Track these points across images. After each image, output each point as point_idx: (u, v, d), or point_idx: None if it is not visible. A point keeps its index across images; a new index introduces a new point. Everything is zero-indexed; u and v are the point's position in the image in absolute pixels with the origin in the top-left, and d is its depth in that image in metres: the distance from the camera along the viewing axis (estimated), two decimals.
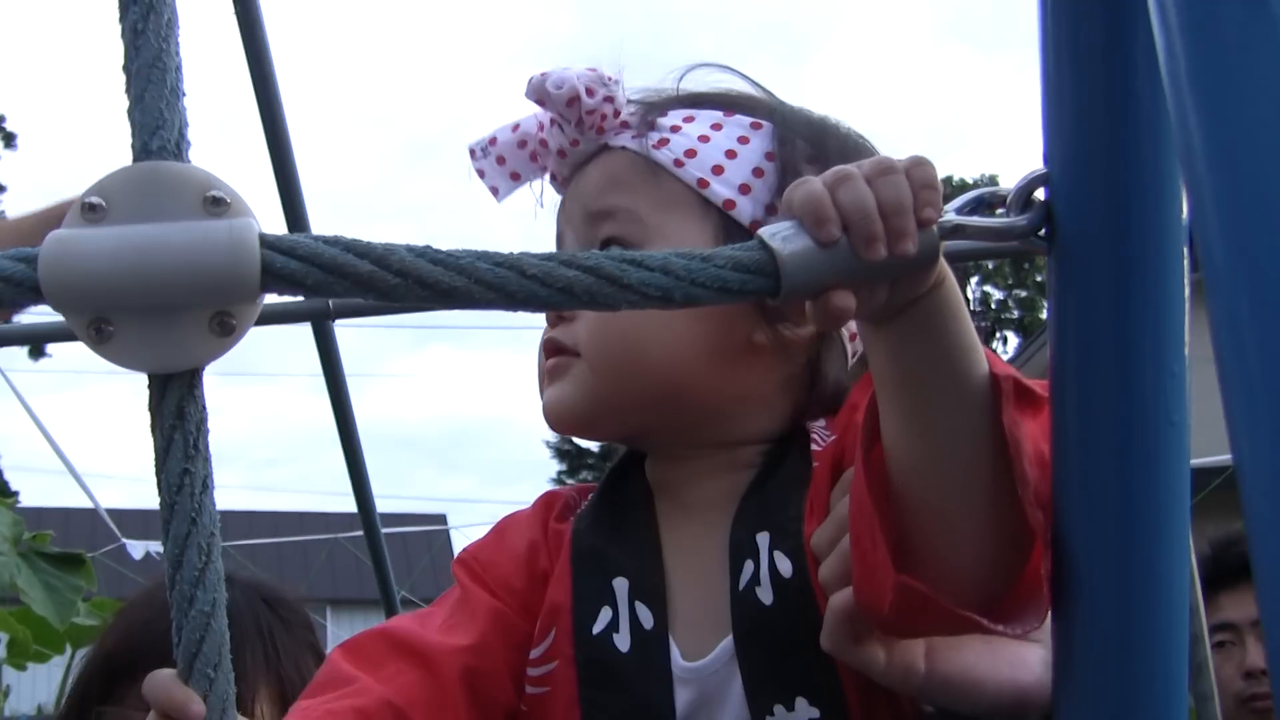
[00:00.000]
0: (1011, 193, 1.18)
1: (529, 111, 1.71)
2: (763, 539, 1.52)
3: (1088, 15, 1.11)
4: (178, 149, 1.00)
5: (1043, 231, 1.18)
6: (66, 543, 5.33)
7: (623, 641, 1.54)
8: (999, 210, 1.19)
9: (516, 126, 1.73)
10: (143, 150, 0.99)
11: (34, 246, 0.98)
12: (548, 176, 1.74)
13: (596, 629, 1.56)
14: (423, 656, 1.53)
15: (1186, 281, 1.15)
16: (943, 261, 1.19)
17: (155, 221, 0.97)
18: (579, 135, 1.66)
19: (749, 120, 1.66)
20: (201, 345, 0.99)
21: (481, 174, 1.74)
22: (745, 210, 1.61)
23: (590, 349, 1.60)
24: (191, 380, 1.00)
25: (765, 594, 1.49)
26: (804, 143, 1.64)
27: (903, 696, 1.48)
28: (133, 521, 9.41)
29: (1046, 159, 1.18)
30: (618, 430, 1.70)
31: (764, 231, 1.10)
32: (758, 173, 1.63)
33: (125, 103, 1.01)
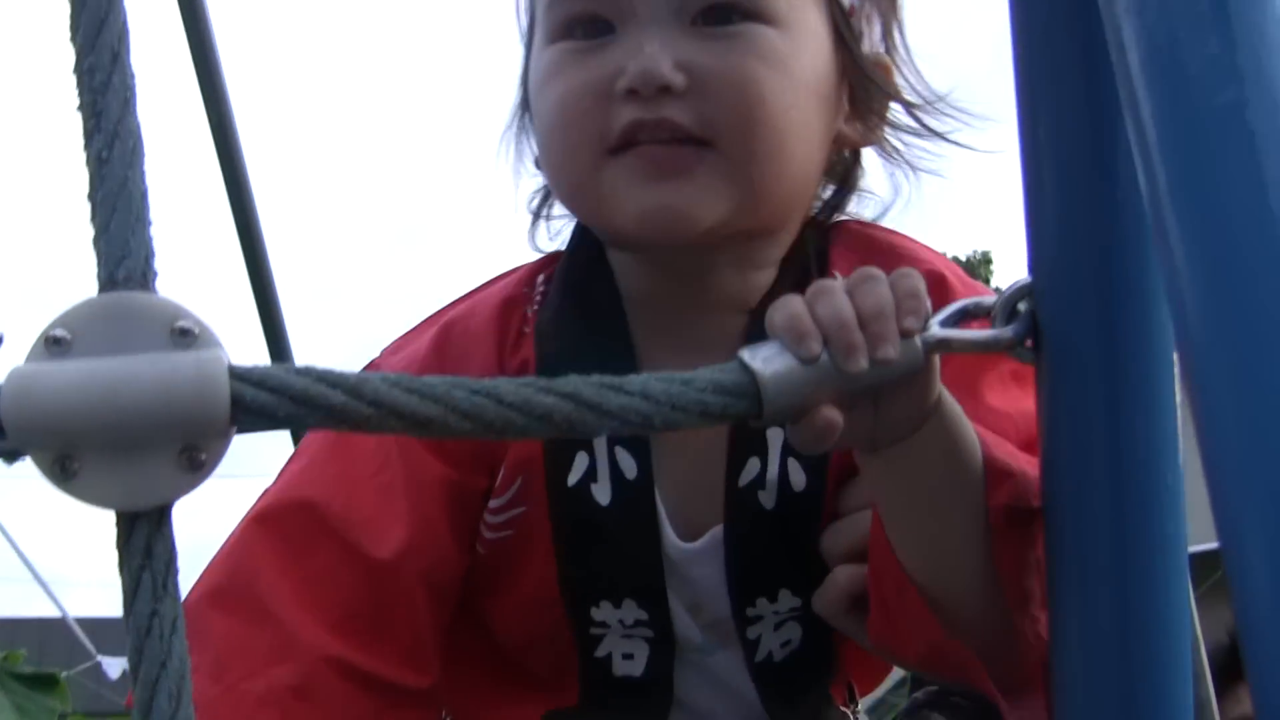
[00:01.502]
0: (996, 304, 1.16)
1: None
2: (774, 436, 1.40)
3: (1069, 126, 1.10)
4: (144, 279, 0.97)
5: (1029, 343, 1.16)
6: (43, 656, 5.28)
7: (602, 493, 1.41)
8: (991, 312, 1.18)
9: None
10: (109, 281, 0.96)
11: None
12: None
13: (572, 479, 1.41)
14: (364, 559, 1.36)
15: (1178, 390, 1.13)
16: (943, 391, 1.17)
17: (122, 354, 0.95)
18: None
19: None
20: (170, 481, 0.96)
21: None
22: None
23: (737, 145, 1.35)
24: (160, 517, 0.97)
25: (768, 498, 1.40)
26: None
27: None
28: (110, 633, 9.30)
29: (1031, 268, 1.16)
30: (728, 234, 1.41)
31: (744, 353, 1.08)
32: None
33: (90, 232, 0.98)
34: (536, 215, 1.62)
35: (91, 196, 0.98)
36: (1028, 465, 1.24)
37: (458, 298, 1.57)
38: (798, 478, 1.40)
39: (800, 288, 1.30)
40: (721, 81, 1.34)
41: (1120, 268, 1.10)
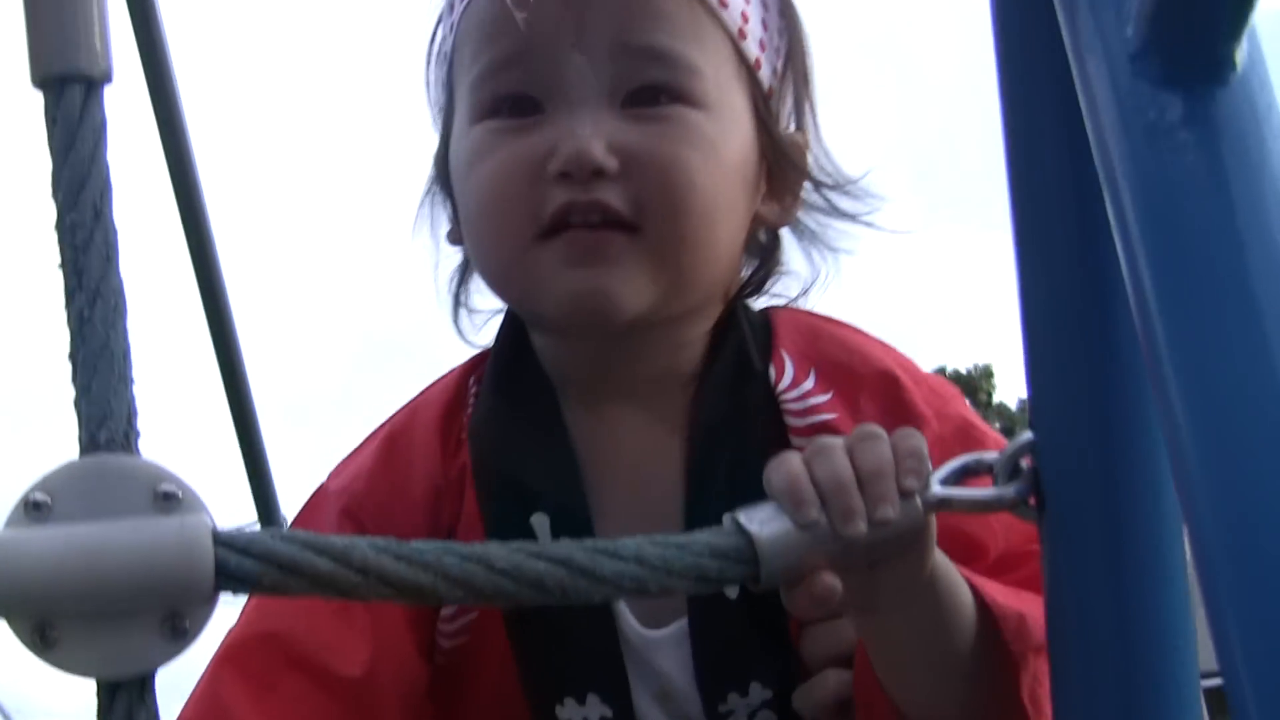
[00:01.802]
0: (998, 461, 1.14)
1: None
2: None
3: (1066, 287, 1.09)
4: (126, 440, 0.95)
5: (1031, 500, 1.14)
6: None
7: None
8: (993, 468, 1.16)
9: None
10: (90, 443, 0.95)
11: None
12: None
13: None
14: (335, 680, 1.33)
15: (1187, 546, 1.11)
16: (937, 554, 1.16)
17: (103, 519, 0.92)
18: None
19: None
20: (152, 650, 0.93)
21: None
22: (764, 76, 1.46)
23: (663, 227, 1.34)
24: (142, 686, 0.94)
25: (730, 588, 1.33)
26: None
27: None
28: None
29: (1033, 425, 1.14)
30: (652, 319, 1.39)
31: (741, 515, 1.06)
32: (764, 39, 1.46)
33: (71, 393, 0.97)
34: (456, 297, 1.60)
35: (72, 356, 0.96)
36: (1027, 604, 1.24)
37: (399, 409, 1.54)
38: None
39: (740, 369, 1.39)
40: (653, 165, 1.34)
41: (1122, 425, 1.09)
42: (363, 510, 1.42)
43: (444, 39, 1.52)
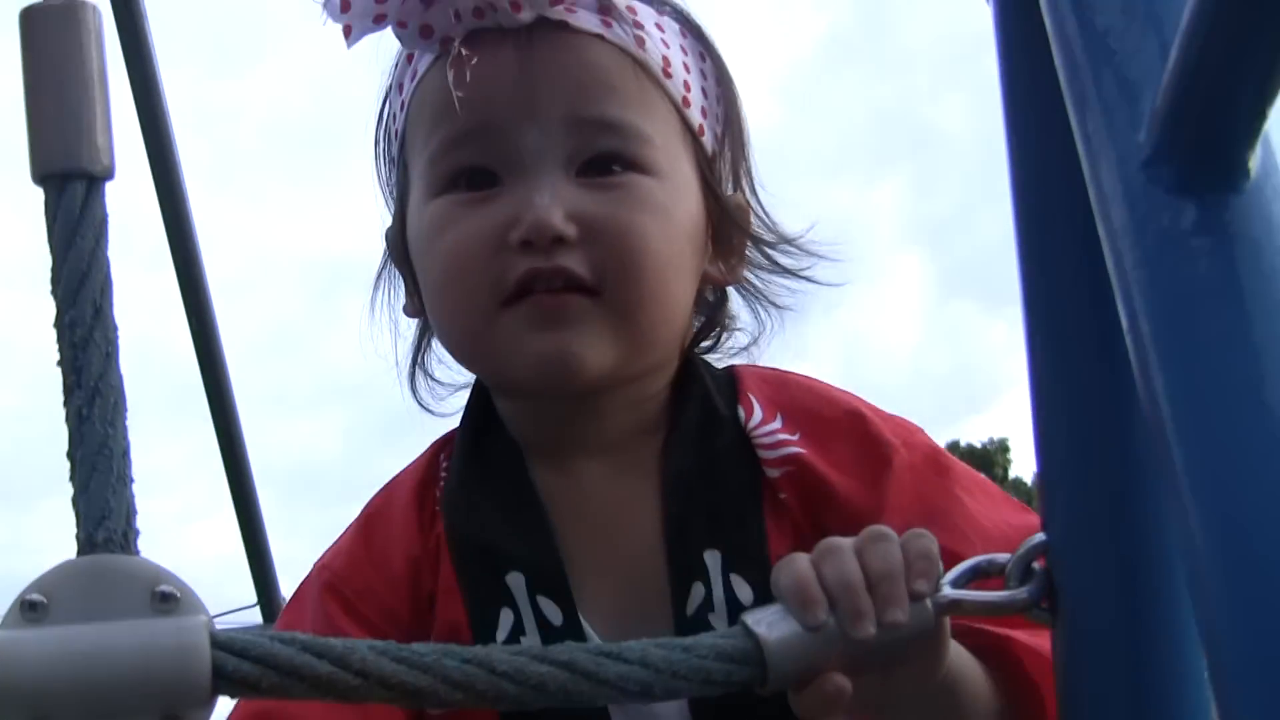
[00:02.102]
0: (1011, 562, 1.14)
1: None
2: (713, 559, 1.38)
3: (1079, 389, 1.09)
4: (125, 540, 0.94)
5: (1044, 603, 1.13)
6: None
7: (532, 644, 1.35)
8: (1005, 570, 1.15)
9: None
10: (87, 542, 0.94)
11: None
12: (408, 29, 1.42)
13: (500, 637, 1.38)
14: None
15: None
16: (953, 650, 1.15)
17: (100, 620, 0.92)
18: None
19: (680, 29, 1.53)
20: None
21: (336, 4, 1.40)
22: (707, 142, 1.52)
23: (621, 291, 1.39)
24: None
25: (719, 622, 1.35)
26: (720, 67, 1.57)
27: None
28: None
29: (1045, 527, 1.14)
30: (614, 380, 1.44)
31: (748, 617, 1.05)
32: (705, 106, 1.52)
33: (70, 491, 0.96)
34: (414, 366, 1.63)
35: (71, 454, 0.96)
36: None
37: (377, 491, 1.57)
38: (744, 592, 1.37)
39: (706, 415, 1.44)
40: (610, 232, 1.39)
41: (1136, 528, 1.08)
42: (346, 586, 1.44)
43: (392, 116, 1.56)
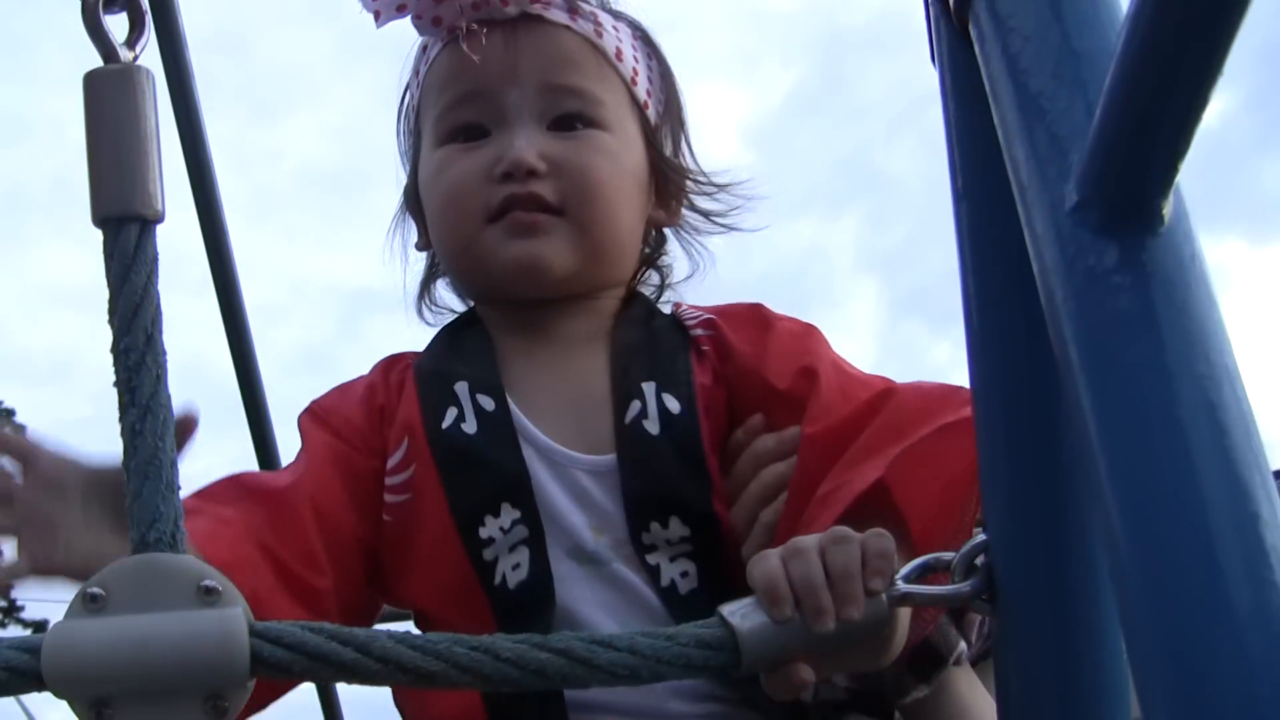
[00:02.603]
0: (955, 559, 1.24)
1: None
2: (649, 387, 1.71)
3: (1016, 407, 1.21)
4: (173, 540, 1.05)
5: (985, 596, 1.24)
6: None
7: (470, 427, 1.69)
8: (951, 566, 1.26)
9: None
10: (140, 542, 1.05)
11: None
12: (423, 20, 1.82)
13: (445, 424, 1.69)
14: (268, 495, 1.65)
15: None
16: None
17: (152, 611, 1.03)
18: None
19: (631, 31, 1.92)
20: None
21: None
22: (651, 114, 1.91)
23: (580, 213, 1.77)
24: None
25: (653, 425, 1.68)
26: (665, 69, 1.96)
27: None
28: None
29: (986, 527, 1.25)
30: (575, 283, 1.81)
31: (725, 609, 1.16)
32: (650, 89, 1.92)
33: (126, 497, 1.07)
34: (422, 290, 2.00)
35: (125, 465, 1.07)
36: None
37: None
38: (672, 404, 1.70)
39: (648, 312, 1.86)
40: (572, 168, 1.78)
41: (1066, 528, 1.19)
42: (319, 407, 1.80)
43: (412, 97, 1.96)
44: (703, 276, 2.01)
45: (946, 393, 1.58)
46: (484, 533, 1.63)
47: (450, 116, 1.83)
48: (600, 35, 1.85)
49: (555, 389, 1.75)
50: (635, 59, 1.90)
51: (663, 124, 1.94)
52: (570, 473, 1.67)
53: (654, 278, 1.98)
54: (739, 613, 1.16)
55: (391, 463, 1.70)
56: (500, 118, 1.80)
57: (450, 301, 2.00)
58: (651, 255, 1.97)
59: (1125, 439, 0.95)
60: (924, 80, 1.27)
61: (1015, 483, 1.22)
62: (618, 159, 1.83)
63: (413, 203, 1.96)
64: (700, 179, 1.98)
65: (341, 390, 1.82)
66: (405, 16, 1.82)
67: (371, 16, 1.80)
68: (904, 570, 1.24)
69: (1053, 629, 1.22)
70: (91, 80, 1.09)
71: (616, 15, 1.91)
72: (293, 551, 1.59)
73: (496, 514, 1.63)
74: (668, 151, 1.95)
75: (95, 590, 1.03)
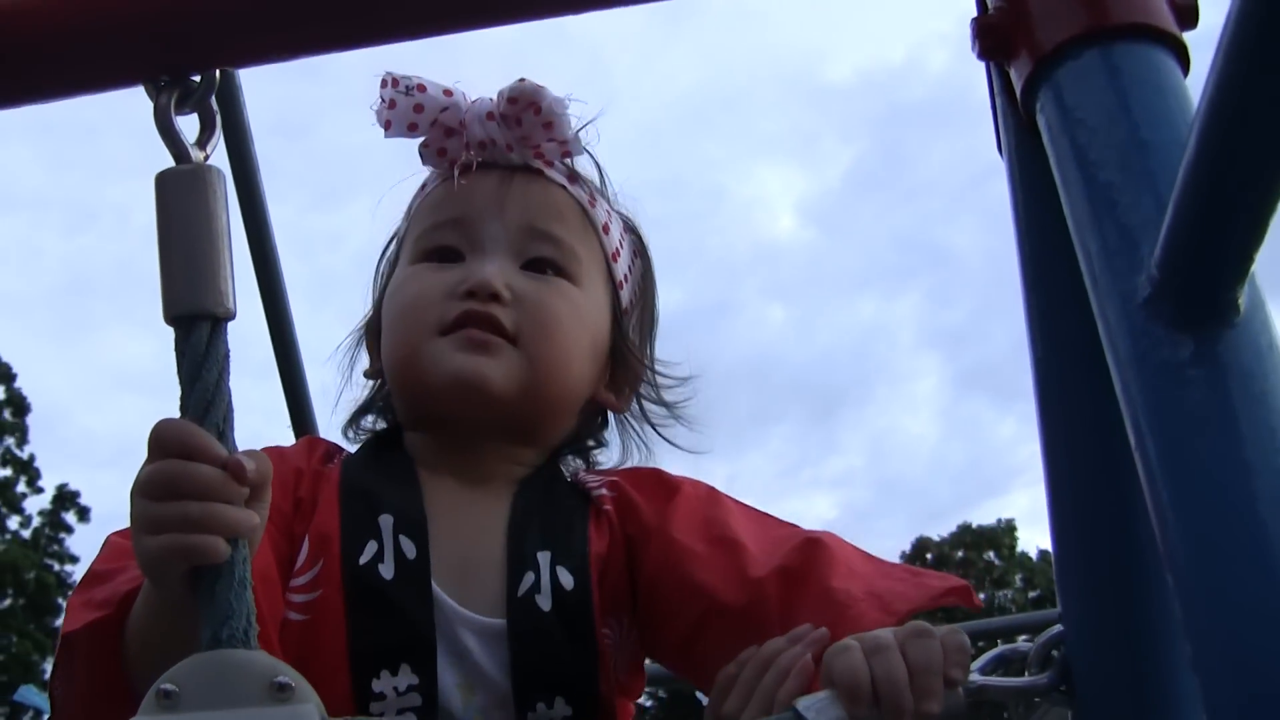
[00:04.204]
0: (1031, 651, 1.24)
1: (460, 83, 1.87)
2: (544, 557, 1.70)
3: (1091, 501, 1.20)
4: (246, 637, 1.06)
5: (1062, 687, 1.23)
6: None
7: (387, 570, 1.64)
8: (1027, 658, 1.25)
9: (450, 93, 1.87)
10: (213, 639, 1.05)
11: None
12: (430, 149, 1.87)
13: (363, 559, 1.65)
14: None
15: None
16: None
17: (224, 708, 1.03)
18: (519, 146, 1.86)
19: (624, 225, 1.97)
20: None
21: (386, 102, 1.83)
22: (624, 296, 1.94)
23: (532, 346, 1.78)
24: None
25: (544, 601, 1.66)
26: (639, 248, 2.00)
27: (628, 696, 1.74)
28: None
29: (1063, 619, 1.24)
30: (506, 416, 1.79)
31: (801, 704, 1.15)
32: (628, 275, 1.95)
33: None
34: (358, 413, 1.98)
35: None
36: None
37: None
38: (565, 579, 1.68)
39: (551, 478, 1.84)
40: (534, 305, 1.79)
41: (1142, 619, 1.18)
42: None
43: (398, 233, 1.99)
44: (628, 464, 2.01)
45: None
46: (377, 686, 1.60)
47: (429, 238, 1.87)
48: (593, 205, 1.91)
49: (462, 537, 1.72)
50: (620, 243, 1.95)
51: (633, 312, 1.97)
52: (454, 627, 1.64)
53: (574, 462, 1.95)
54: (814, 708, 1.15)
55: (300, 579, 1.67)
56: (477, 246, 1.84)
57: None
58: (581, 434, 1.95)
59: (1204, 534, 0.94)
60: (983, 156, 1.28)
61: (1090, 575, 1.21)
62: (580, 312, 1.85)
63: (369, 334, 1.99)
64: (661, 373, 2.00)
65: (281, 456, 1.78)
66: (414, 138, 1.87)
67: (383, 131, 1.86)
68: (979, 663, 1.23)
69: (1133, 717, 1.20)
70: (163, 180, 1.11)
71: (614, 206, 1.98)
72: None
73: (395, 672, 1.60)
74: (631, 342, 1.98)
75: (169, 687, 1.03)
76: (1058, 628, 1.23)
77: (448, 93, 1.86)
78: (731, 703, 1.37)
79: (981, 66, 1.29)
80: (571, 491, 1.83)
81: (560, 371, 1.81)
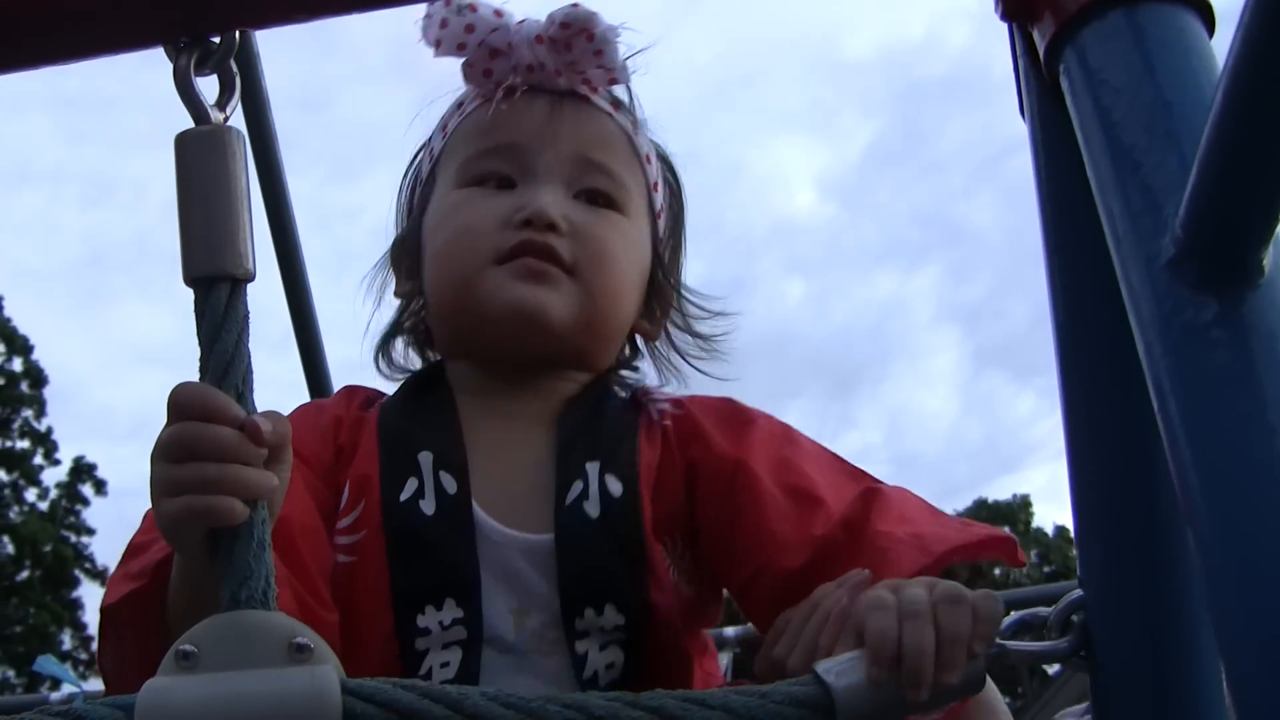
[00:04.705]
0: (1052, 616, 1.23)
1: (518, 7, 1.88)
2: (592, 467, 1.70)
3: (1112, 463, 1.19)
4: (265, 598, 1.06)
5: (1082, 652, 1.22)
6: None
7: (428, 506, 1.66)
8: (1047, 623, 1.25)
9: (500, 14, 1.86)
10: (231, 600, 1.05)
11: None
12: (475, 68, 1.87)
13: (404, 497, 1.66)
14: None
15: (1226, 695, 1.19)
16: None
17: (243, 668, 1.02)
18: (567, 71, 1.86)
19: (658, 155, 1.98)
20: None
21: (439, 21, 1.83)
22: (662, 225, 1.96)
23: (588, 279, 1.78)
24: None
25: (593, 508, 1.66)
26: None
27: (696, 619, 1.73)
28: None
29: (1082, 584, 1.23)
30: (559, 348, 1.80)
31: (820, 666, 1.15)
32: (664, 205, 1.97)
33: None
34: (387, 337, 1.99)
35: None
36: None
37: None
38: (614, 486, 1.68)
39: (600, 396, 1.83)
40: (590, 237, 1.80)
41: (1164, 584, 1.17)
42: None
43: (430, 148, 1.98)
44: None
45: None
46: (421, 621, 1.61)
47: (479, 163, 1.86)
48: (637, 135, 1.92)
49: (507, 466, 1.73)
50: (658, 173, 1.96)
51: (668, 240, 1.99)
52: (504, 552, 1.65)
53: (630, 379, 1.97)
54: (834, 670, 1.15)
55: (344, 521, 1.68)
56: (530, 174, 1.83)
57: (410, 364, 2.00)
58: (624, 360, 1.98)
59: (1226, 495, 0.94)
60: (1004, 131, 1.27)
61: (1111, 539, 1.20)
62: (631, 245, 1.87)
63: (400, 254, 1.98)
64: (692, 300, 2.02)
65: (302, 418, 1.77)
66: (462, 57, 1.87)
67: (432, 50, 1.86)
68: (1000, 627, 1.23)
69: (1151, 685, 1.20)
70: (183, 141, 1.10)
71: (650, 137, 1.98)
72: (305, 586, 1.55)
73: (439, 606, 1.61)
74: (668, 267, 2.00)
75: (187, 648, 1.03)
76: (1078, 592, 1.23)
77: (498, 13, 1.85)
78: (780, 648, 1.38)
79: (1003, 35, 1.28)
80: (625, 406, 1.84)
81: (614, 304, 1.83)
